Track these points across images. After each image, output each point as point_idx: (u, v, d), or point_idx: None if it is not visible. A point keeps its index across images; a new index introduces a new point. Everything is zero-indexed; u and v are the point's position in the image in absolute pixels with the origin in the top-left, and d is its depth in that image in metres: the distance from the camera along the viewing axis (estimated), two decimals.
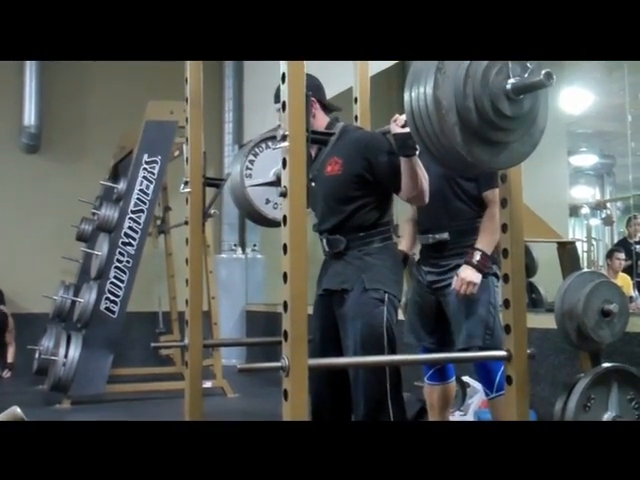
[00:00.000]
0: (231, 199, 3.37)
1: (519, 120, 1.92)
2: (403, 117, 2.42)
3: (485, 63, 1.86)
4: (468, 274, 2.91)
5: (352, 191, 2.75)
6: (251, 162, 3.23)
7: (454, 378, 3.31)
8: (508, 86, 1.86)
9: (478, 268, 2.92)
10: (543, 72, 1.83)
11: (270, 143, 3.25)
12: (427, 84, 1.84)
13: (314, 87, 2.78)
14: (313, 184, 2.71)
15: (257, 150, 3.25)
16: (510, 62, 1.88)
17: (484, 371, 3.06)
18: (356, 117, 3.15)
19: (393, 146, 2.65)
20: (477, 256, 2.92)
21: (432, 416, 3.29)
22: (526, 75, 1.87)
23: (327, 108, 2.92)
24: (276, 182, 3.18)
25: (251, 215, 3.32)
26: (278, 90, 2.41)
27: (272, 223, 3.26)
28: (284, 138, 1.93)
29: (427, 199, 2.72)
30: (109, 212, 6.02)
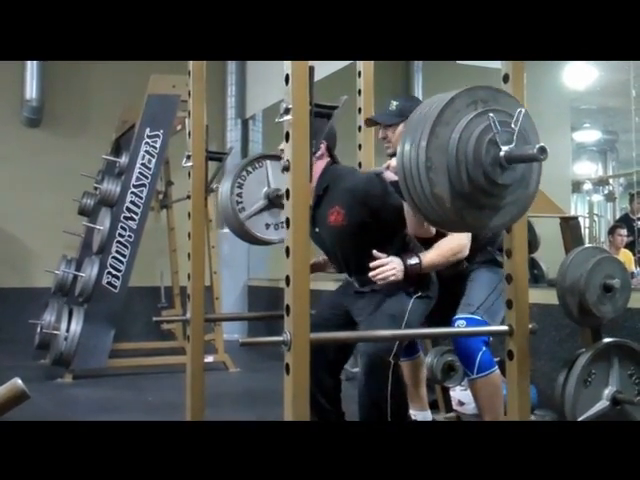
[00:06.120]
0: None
1: (508, 187, 1.84)
2: (394, 162, 2.43)
3: (482, 126, 1.77)
4: (392, 265, 2.72)
5: (360, 237, 2.82)
6: (239, 195, 3.17)
7: (421, 353, 3.27)
8: (501, 153, 1.78)
9: (405, 271, 2.73)
10: (537, 146, 1.76)
11: (250, 168, 3.22)
12: (421, 141, 1.78)
13: (330, 135, 2.89)
14: (317, 230, 2.84)
15: (240, 180, 3.19)
16: (499, 130, 1.77)
17: (464, 351, 2.93)
18: (359, 91, 3.13)
19: (389, 187, 2.67)
20: (413, 260, 2.76)
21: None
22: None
23: (331, 154, 2.95)
24: (268, 204, 3.20)
25: (257, 242, 3.31)
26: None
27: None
28: (287, 111, 1.92)
29: (434, 232, 2.74)
30: (111, 186, 6.00)
